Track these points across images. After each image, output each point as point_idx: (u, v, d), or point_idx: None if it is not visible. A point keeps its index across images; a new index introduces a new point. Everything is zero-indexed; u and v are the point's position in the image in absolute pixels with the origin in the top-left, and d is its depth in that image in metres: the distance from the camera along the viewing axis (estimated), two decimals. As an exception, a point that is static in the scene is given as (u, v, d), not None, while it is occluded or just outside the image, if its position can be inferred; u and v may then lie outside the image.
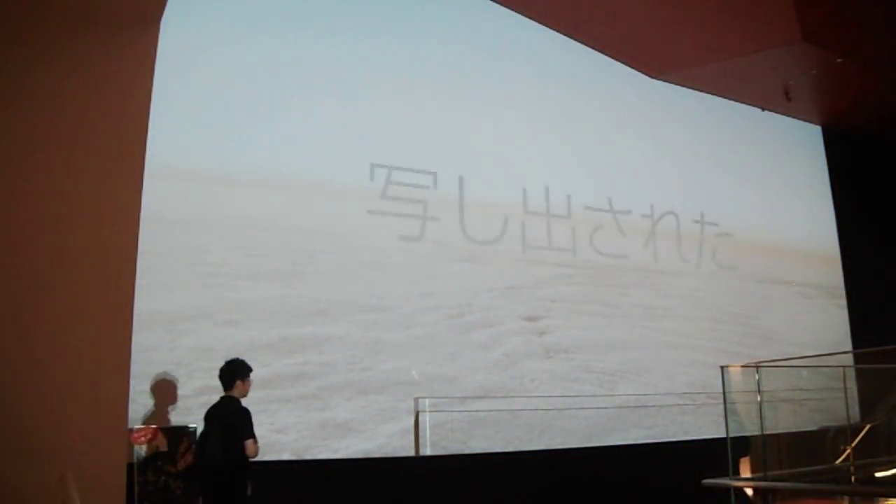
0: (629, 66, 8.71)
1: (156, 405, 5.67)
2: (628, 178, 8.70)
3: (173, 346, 5.72)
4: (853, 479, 6.19)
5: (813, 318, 9.96)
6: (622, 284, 8.42)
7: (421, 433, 6.70)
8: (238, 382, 5.26)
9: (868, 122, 10.11)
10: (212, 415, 5.19)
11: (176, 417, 5.57)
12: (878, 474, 6.19)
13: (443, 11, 7.67)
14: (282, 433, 6.03)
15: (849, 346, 9.73)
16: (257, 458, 5.09)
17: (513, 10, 7.82)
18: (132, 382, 4.97)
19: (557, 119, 8.22)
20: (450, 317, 7.12)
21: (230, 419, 5.10)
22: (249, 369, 5.33)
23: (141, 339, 5.29)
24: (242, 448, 5.00)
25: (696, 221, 9.20)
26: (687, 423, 8.20)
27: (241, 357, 5.37)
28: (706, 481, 5.60)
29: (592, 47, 8.40)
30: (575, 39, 8.28)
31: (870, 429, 6.43)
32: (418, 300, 6.99)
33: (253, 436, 5.07)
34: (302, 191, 6.55)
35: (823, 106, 10.03)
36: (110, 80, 4.83)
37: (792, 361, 7.50)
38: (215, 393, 5.43)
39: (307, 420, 6.16)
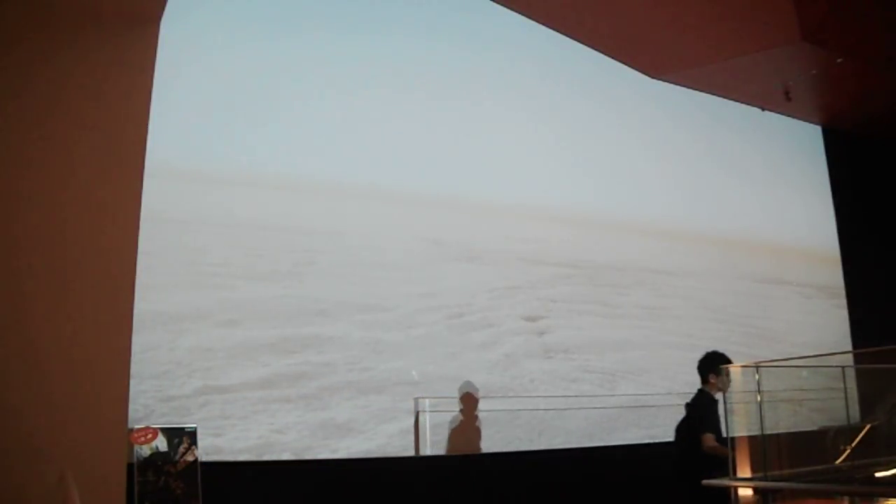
0: (629, 66, 8.70)
1: (463, 411, 6.72)
2: (628, 177, 8.70)
3: (173, 346, 5.72)
4: (853, 479, 6.18)
5: (813, 318, 9.96)
6: (622, 284, 8.42)
7: (421, 433, 6.70)
8: (710, 376, 5.41)
9: (868, 122, 10.10)
10: (687, 406, 5.46)
11: (176, 418, 5.57)
12: (878, 474, 6.18)
13: (443, 11, 7.67)
14: (282, 433, 6.03)
15: (849, 346, 9.72)
16: (260, 459, 5.11)
17: (512, 9, 7.81)
18: (132, 382, 4.97)
19: (557, 119, 8.22)
20: (450, 317, 7.12)
21: (695, 411, 5.38)
22: (722, 362, 5.43)
23: (141, 339, 5.29)
24: (699, 441, 5.22)
25: (696, 221, 9.20)
26: (687, 423, 8.19)
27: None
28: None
29: (592, 47, 8.38)
30: (574, 39, 8.26)
31: (870, 429, 6.42)
32: (418, 300, 6.99)
33: (711, 430, 5.22)
34: (302, 191, 6.55)
35: (823, 106, 10.01)
36: (110, 80, 4.83)
37: (792, 361, 7.49)
38: (215, 393, 5.46)
39: (307, 420, 6.16)
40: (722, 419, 6.15)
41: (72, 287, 4.57)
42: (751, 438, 5.92)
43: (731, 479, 5.64)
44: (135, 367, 5.03)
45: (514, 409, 7.25)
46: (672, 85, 9.07)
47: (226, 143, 6.23)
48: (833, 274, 10.27)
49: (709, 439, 5.29)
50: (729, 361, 5.60)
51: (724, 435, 5.42)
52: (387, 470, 6.32)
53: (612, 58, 8.58)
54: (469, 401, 6.96)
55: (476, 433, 6.89)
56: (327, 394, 6.29)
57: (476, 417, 6.85)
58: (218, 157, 6.18)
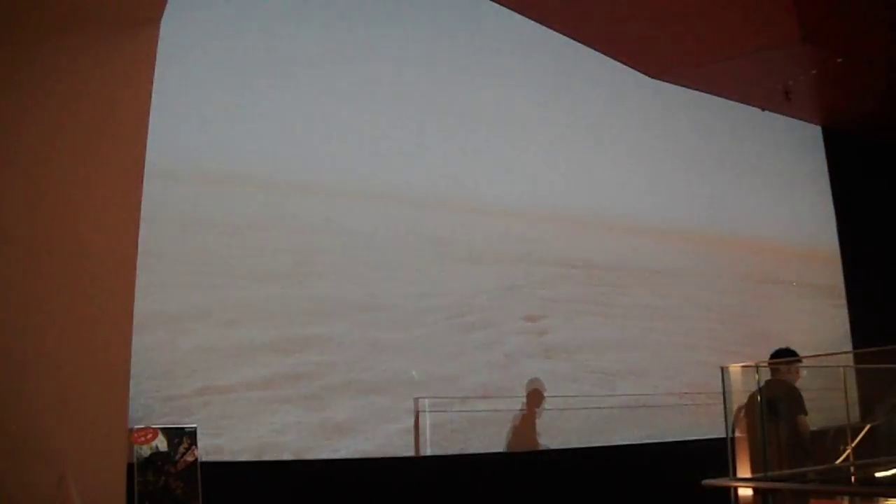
0: (629, 66, 8.70)
1: (528, 405, 7.05)
2: (628, 177, 8.69)
3: (173, 346, 5.72)
4: (853, 479, 6.18)
5: (813, 318, 9.95)
6: (622, 284, 8.42)
7: (421, 433, 6.70)
8: (781, 368, 5.98)
9: (868, 122, 10.09)
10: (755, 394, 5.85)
11: (176, 418, 5.57)
12: (878, 474, 6.19)
13: (444, 11, 7.65)
14: (282, 433, 6.03)
15: (849, 346, 9.71)
16: (260, 459, 5.13)
17: (511, 9, 7.82)
18: (132, 382, 4.98)
19: (556, 118, 8.22)
20: (450, 317, 7.12)
21: (779, 397, 5.83)
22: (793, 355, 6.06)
23: (141, 339, 5.29)
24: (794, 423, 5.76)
25: (696, 221, 9.19)
26: (687, 423, 8.19)
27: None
28: (706, 481, 5.60)
29: (592, 47, 8.38)
30: (574, 39, 8.27)
31: (870, 429, 6.42)
32: (418, 300, 6.98)
33: (805, 412, 5.80)
34: (302, 190, 6.55)
35: (823, 106, 10.00)
36: (110, 80, 4.83)
37: (792, 361, 7.48)
38: (216, 393, 5.47)
39: (307, 420, 6.16)
40: (723, 418, 6.19)
41: (72, 287, 4.57)
42: (751, 438, 5.94)
43: (731, 479, 5.64)
44: (135, 367, 5.04)
45: (514, 409, 7.25)
46: (671, 85, 9.07)
47: (226, 142, 6.22)
48: (833, 274, 10.27)
49: (804, 421, 5.81)
50: (796, 354, 6.15)
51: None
52: (387, 470, 6.32)
53: (612, 58, 8.58)
54: (535, 396, 7.23)
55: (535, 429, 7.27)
56: (327, 394, 6.28)
57: (536, 413, 7.23)
58: (218, 156, 6.17)
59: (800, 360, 6.46)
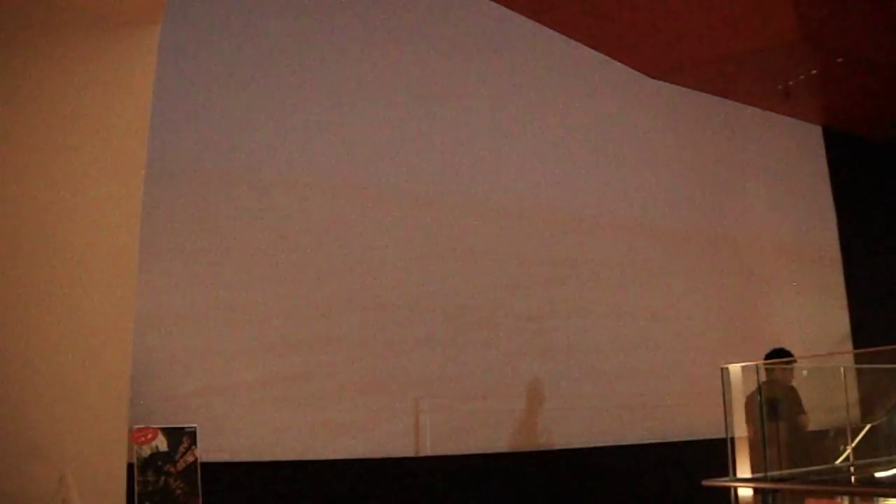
0: (628, 66, 8.71)
1: (530, 405, 7.20)
2: (627, 177, 8.69)
3: (173, 346, 5.73)
4: (853, 479, 6.19)
5: (813, 318, 9.95)
6: (622, 284, 8.42)
7: (421, 433, 6.70)
8: (776, 369, 6.17)
9: (868, 122, 10.11)
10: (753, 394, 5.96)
11: (176, 417, 5.57)
12: (878, 474, 6.20)
13: (446, 10, 7.65)
14: (282, 433, 6.03)
15: (849, 346, 9.72)
16: (260, 459, 5.14)
17: (511, 9, 7.82)
18: (132, 382, 4.97)
19: (557, 118, 8.22)
20: (450, 317, 7.12)
21: (779, 398, 6.01)
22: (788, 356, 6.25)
23: (141, 339, 5.29)
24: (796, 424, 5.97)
25: (696, 221, 9.20)
26: (687, 423, 8.19)
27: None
28: (706, 481, 5.60)
29: (591, 47, 8.39)
30: (573, 39, 8.27)
31: (870, 429, 6.43)
32: (418, 300, 6.99)
33: (805, 412, 6.01)
34: (302, 190, 6.55)
35: (823, 106, 10.01)
36: (110, 80, 4.83)
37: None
38: (216, 393, 5.46)
39: (307, 420, 6.17)
40: (723, 418, 6.21)
41: (72, 287, 4.57)
42: (751, 439, 5.94)
43: (731, 480, 5.65)
44: (135, 367, 5.03)
45: (514, 409, 7.26)
46: (671, 84, 9.08)
47: (226, 142, 6.23)
48: (833, 274, 10.27)
49: (805, 419, 5.98)
50: (790, 353, 6.27)
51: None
52: (387, 470, 6.33)
53: (612, 58, 8.59)
54: (535, 396, 7.33)
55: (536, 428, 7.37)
56: (327, 394, 6.29)
57: (536, 413, 7.34)
58: (218, 156, 6.18)
59: (798, 361, 6.47)
